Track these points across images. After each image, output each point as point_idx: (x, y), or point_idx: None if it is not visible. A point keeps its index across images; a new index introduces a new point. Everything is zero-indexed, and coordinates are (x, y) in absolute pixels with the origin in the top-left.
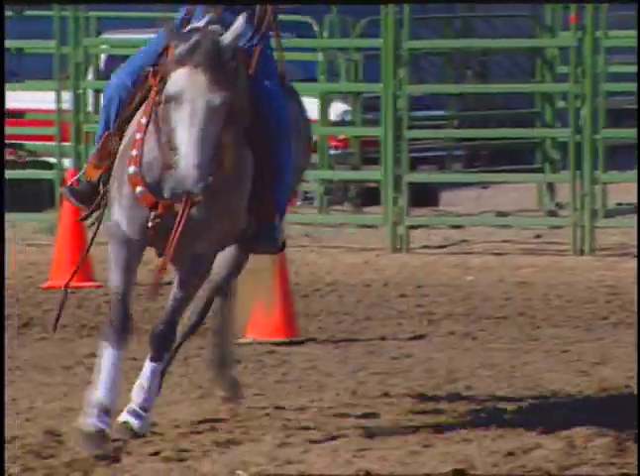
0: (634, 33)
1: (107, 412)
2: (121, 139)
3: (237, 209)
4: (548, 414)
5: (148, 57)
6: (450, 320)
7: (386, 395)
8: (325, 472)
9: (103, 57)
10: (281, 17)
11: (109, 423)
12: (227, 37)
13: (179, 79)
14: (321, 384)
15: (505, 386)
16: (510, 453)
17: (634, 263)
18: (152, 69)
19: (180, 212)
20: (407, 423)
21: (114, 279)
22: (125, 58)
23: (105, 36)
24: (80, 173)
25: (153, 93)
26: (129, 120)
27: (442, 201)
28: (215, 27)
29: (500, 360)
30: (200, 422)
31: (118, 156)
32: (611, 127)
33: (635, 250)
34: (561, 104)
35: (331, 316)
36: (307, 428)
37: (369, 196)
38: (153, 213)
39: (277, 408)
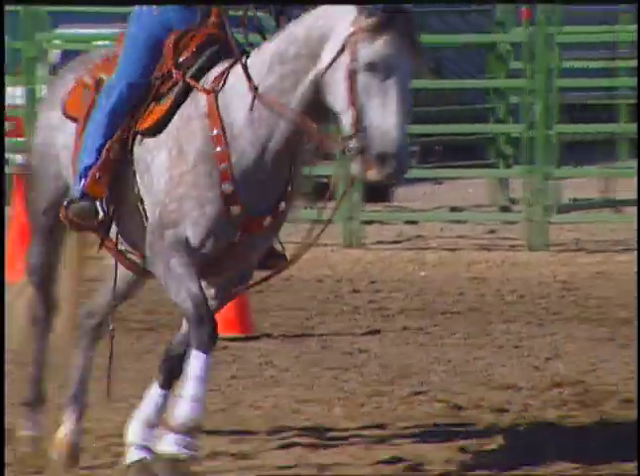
0: (590, 29)
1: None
2: (123, 146)
3: None
4: (500, 409)
5: (149, 52)
6: (404, 315)
7: (341, 390)
8: (280, 467)
9: (56, 51)
10: None
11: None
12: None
13: (388, 46)
14: (276, 379)
15: (459, 381)
16: (463, 448)
17: (587, 259)
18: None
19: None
20: (362, 418)
21: (190, 288)
22: (79, 53)
23: (59, 30)
24: (77, 190)
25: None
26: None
27: (396, 197)
28: None
29: (454, 355)
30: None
31: (173, 169)
32: (565, 123)
33: (587, 245)
34: (514, 100)
35: (285, 312)
36: (262, 424)
37: (322, 192)
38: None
39: (232, 404)
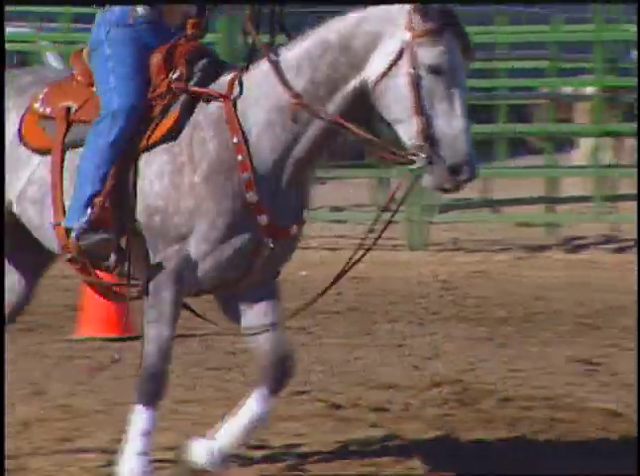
0: (469, 29)
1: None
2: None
3: None
4: (382, 408)
5: (140, 71)
6: (285, 315)
7: (222, 390)
8: (159, 468)
9: None
10: None
11: None
12: None
13: (451, 49)
14: None
15: (337, 381)
16: (345, 446)
17: (466, 258)
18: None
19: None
20: None
21: (162, 333)
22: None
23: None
24: (82, 221)
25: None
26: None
27: None
28: None
29: (335, 355)
30: (33, 420)
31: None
32: None
33: (466, 244)
34: None
35: None
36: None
37: None
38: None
39: (112, 404)
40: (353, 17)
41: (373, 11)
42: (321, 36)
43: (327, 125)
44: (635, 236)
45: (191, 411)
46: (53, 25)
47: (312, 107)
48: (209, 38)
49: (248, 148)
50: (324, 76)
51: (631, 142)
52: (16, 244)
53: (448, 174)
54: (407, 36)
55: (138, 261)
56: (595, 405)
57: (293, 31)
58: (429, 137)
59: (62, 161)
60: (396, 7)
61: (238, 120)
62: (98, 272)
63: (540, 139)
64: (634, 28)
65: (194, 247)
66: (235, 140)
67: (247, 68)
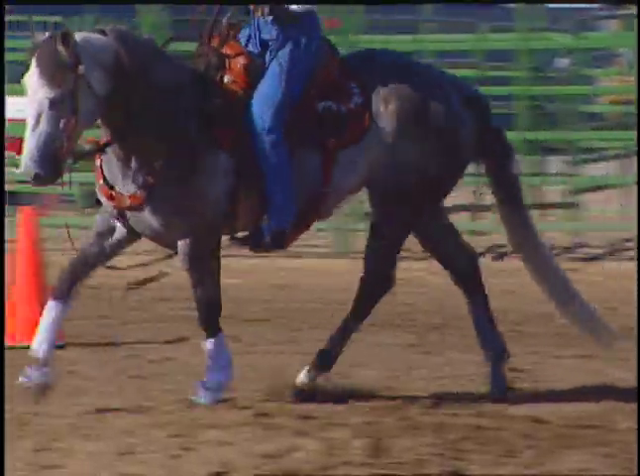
0: (394, 37)
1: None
2: None
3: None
4: (307, 415)
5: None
6: None
7: (146, 398)
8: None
9: None
10: None
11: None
12: None
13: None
14: (81, 388)
15: (265, 387)
16: (269, 455)
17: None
18: None
19: None
20: (167, 426)
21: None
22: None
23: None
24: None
25: None
26: None
27: None
28: None
29: (263, 362)
30: None
31: None
32: None
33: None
34: None
35: (91, 321)
36: (67, 433)
37: None
38: None
39: (36, 413)
40: None
41: None
42: None
43: None
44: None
45: (115, 418)
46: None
47: None
48: None
49: None
50: None
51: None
52: None
53: None
54: None
55: None
56: (521, 412)
57: None
58: None
59: None
60: None
61: None
62: None
63: None
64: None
65: None
66: None
67: None
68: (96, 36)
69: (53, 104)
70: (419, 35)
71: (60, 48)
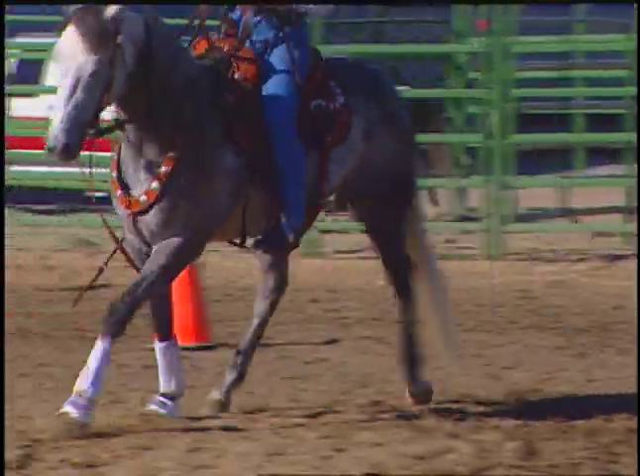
0: (546, 38)
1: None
2: None
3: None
4: (459, 417)
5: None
6: (362, 325)
7: (297, 400)
8: None
9: (13, 61)
10: None
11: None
12: None
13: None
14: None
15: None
16: (421, 457)
17: (544, 267)
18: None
19: None
20: (319, 428)
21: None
22: (38, 62)
23: (18, 39)
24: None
25: None
26: None
27: None
28: None
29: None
30: (111, 428)
31: None
32: (524, 132)
33: (546, 254)
34: (472, 110)
35: (243, 321)
36: (219, 433)
37: None
38: None
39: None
40: None
41: None
42: None
43: None
44: None
45: (267, 419)
46: None
47: None
48: None
49: None
50: None
51: None
52: None
53: None
54: None
55: None
56: None
57: None
58: None
59: None
60: None
61: None
62: None
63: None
64: None
65: None
66: None
67: None
68: (131, 13)
69: (94, 72)
70: (572, 35)
71: (102, 13)
